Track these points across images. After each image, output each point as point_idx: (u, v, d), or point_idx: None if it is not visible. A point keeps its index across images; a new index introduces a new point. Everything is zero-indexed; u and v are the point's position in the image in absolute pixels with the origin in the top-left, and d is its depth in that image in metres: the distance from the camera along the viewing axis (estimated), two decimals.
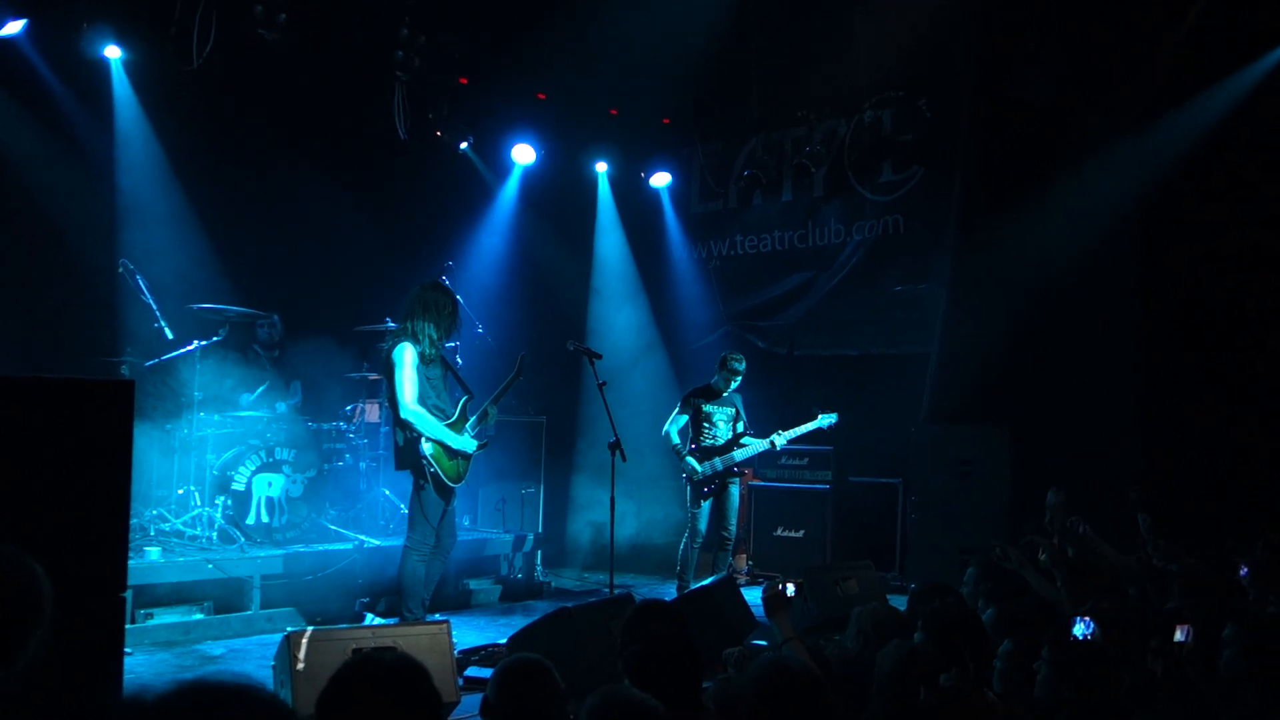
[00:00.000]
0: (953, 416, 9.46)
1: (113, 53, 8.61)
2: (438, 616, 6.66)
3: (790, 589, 4.58)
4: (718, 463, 8.60)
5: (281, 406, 8.65)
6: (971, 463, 9.14)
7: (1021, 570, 5.51)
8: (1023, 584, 5.18)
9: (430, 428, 6.65)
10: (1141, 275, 8.72)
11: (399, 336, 6.76)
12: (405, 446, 6.73)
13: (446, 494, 6.80)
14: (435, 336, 6.78)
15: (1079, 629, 3.65)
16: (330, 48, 9.31)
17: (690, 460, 8.56)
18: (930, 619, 3.72)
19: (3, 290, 8.17)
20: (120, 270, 8.02)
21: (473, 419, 6.93)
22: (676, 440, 8.64)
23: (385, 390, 6.82)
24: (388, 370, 6.72)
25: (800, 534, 10.22)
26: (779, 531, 10.34)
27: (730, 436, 8.68)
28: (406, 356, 6.63)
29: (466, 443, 6.83)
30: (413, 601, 6.75)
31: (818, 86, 10.87)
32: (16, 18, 7.86)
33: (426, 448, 6.64)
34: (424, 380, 6.70)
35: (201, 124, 9.22)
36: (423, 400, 6.68)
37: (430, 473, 6.65)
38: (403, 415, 6.60)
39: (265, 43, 8.65)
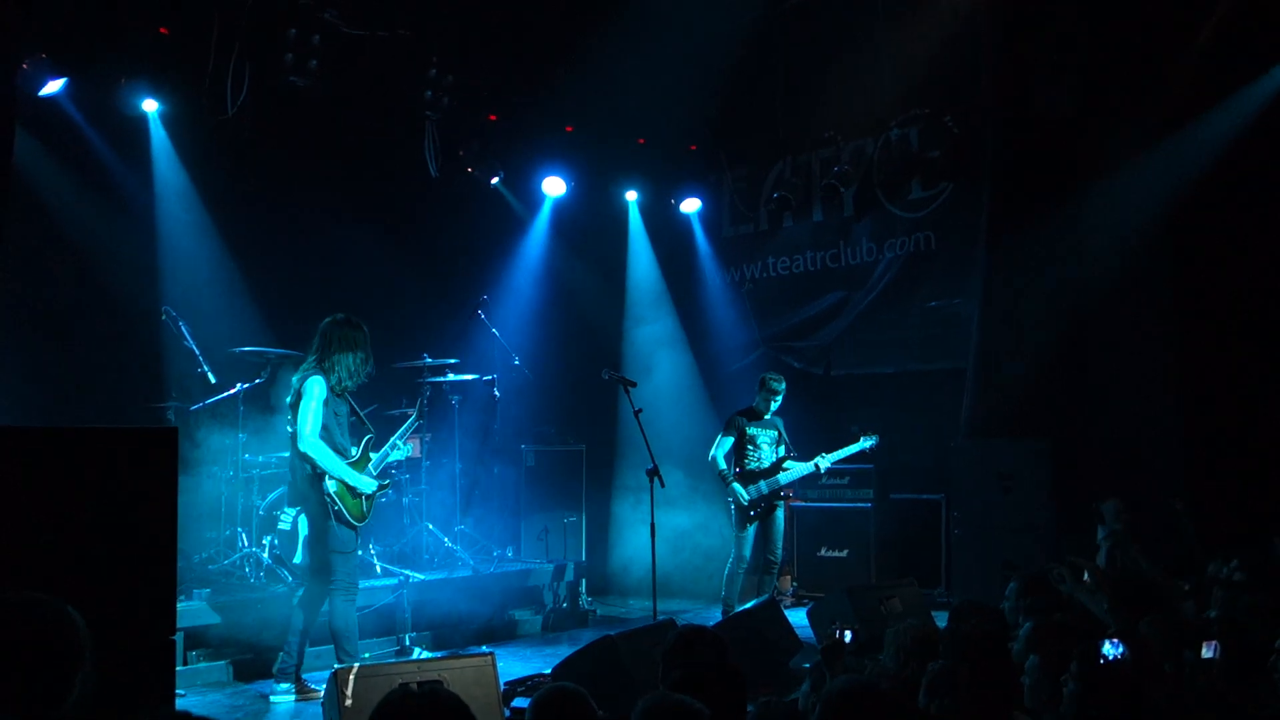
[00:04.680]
0: (992, 430, 9.41)
1: (149, 106, 8.80)
2: (484, 649, 6.71)
3: (848, 636, 4.57)
4: (763, 486, 8.62)
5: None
6: (1013, 476, 9.07)
7: (1075, 591, 5.45)
8: (1061, 600, 5.14)
9: (330, 463, 6.46)
10: (1176, 280, 8.67)
11: (310, 370, 6.56)
12: (303, 482, 6.55)
13: (352, 533, 6.61)
14: (348, 373, 6.61)
15: (1108, 649, 3.62)
16: (360, 91, 9.50)
17: (736, 485, 8.57)
18: (955, 641, 3.71)
19: (51, 341, 8.36)
20: (163, 317, 8.20)
21: (375, 457, 6.78)
22: (723, 465, 8.65)
23: (290, 421, 6.59)
24: (294, 401, 6.53)
25: (844, 554, 10.20)
26: (823, 552, 10.33)
27: (774, 459, 8.70)
28: (315, 390, 6.45)
29: (366, 483, 6.62)
30: (351, 644, 6.53)
31: (844, 107, 10.92)
32: (56, 77, 8.08)
33: (330, 485, 6.46)
34: (330, 416, 6.54)
35: (238, 171, 9.39)
36: (327, 437, 6.52)
37: (334, 510, 6.47)
38: (302, 448, 6.41)
39: (297, 89, 8.86)
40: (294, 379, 6.65)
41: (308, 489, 6.53)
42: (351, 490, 6.55)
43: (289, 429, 6.59)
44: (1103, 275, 8.87)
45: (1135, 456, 8.54)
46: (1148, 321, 8.74)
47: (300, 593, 6.83)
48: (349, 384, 6.64)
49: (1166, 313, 8.67)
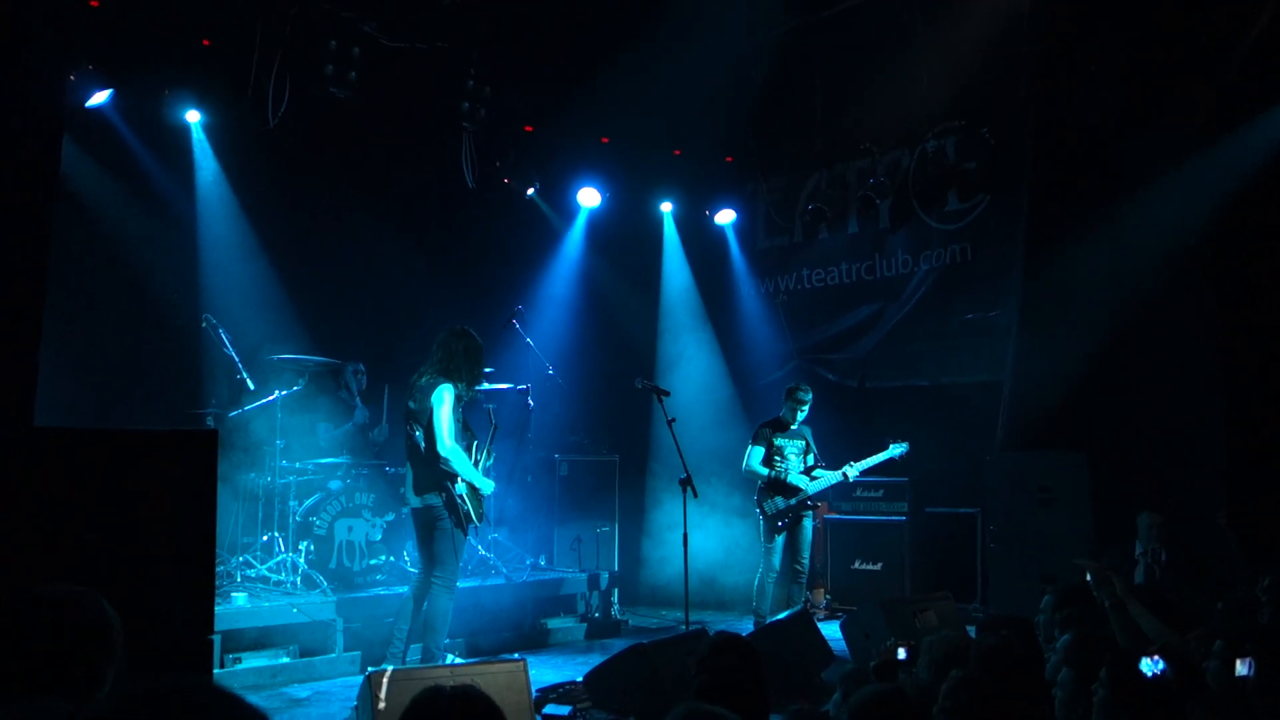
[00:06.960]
0: (1029, 443, 9.31)
1: (193, 117, 8.97)
2: (516, 656, 6.74)
3: (901, 652, 4.53)
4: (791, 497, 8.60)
5: (364, 423, 9.05)
6: (1050, 489, 8.95)
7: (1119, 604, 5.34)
8: (1101, 611, 5.07)
9: (465, 468, 6.79)
10: (1218, 290, 8.53)
11: (439, 378, 6.83)
12: (431, 486, 6.79)
13: (466, 532, 6.96)
14: (472, 381, 6.98)
15: (1146, 665, 3.54)
16: (399, 102, 9.63)
17: (777, 498, 8.58)
18: (986, 654, 3.67)
19: (93, 347, 8.49)
20: (204, 325, 8.32)
21: (481, 462, 7.11)
22: (763, 471, 8.64)
23: (415, 427, 6.86)
24: (423, 409, 6.80)
25: (878, 566, 10.14)
26: (857, 564, 10.27)
27: (801, 469, 8.68)
28: (447, 398, 6.76)
29: (488, 484, 7.01)
30: (443, 637, 6.85)
31: (880, 118, 10.88)
32: (103, 88, 8.27)
33: (460, 488, 6.77)
34: (456, 423, 6.82)
35: (278, 180, 9.54)
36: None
37: (464, 511, 6.79)
38: (444, 453, 6.69)
39: (337, 100, 9.00)
40: (420, 384, 6.89)
41: (437, 492, 6.76)
42: (476, 492, 6.91)
43: (415, 434, 6.83)
44: (1143, 283, 8.75)
45: (1177, 469, 8.41)
46: (1189, 332, 8.61)
47: (414, 586, 7.03)
48: (468, 394, 6.99)
49: (1209, 323, 8.53)
